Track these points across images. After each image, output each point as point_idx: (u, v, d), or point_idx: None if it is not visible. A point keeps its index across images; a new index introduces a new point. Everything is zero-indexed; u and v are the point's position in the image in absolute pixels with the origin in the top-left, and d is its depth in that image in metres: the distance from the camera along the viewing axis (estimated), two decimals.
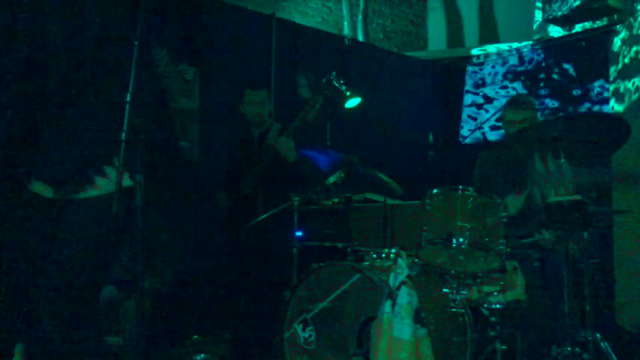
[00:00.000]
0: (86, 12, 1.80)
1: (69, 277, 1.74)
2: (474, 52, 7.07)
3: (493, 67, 6.74)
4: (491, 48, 6.98)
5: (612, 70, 5.55)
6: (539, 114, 3.71)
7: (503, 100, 5.05)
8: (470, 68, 6.88)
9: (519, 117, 3.67)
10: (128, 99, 1.71)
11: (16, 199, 1.81)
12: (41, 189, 1.79)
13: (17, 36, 1.78)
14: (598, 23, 5.82)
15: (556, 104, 6.07)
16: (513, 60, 6.53)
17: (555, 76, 6.12)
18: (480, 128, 6.25)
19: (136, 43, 1.74)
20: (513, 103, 3.81)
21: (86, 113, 1.80)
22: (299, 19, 7.90)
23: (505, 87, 6.59)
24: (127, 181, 1.83)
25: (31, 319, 1.83)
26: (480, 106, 6.80)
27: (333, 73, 4.00)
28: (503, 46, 6.84)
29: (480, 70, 6.84)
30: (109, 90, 1.83)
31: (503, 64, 6.63)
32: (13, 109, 1.75)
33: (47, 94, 1.77)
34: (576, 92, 5.90)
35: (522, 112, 3.68)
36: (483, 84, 6.80)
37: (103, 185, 1.81)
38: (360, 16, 8.69)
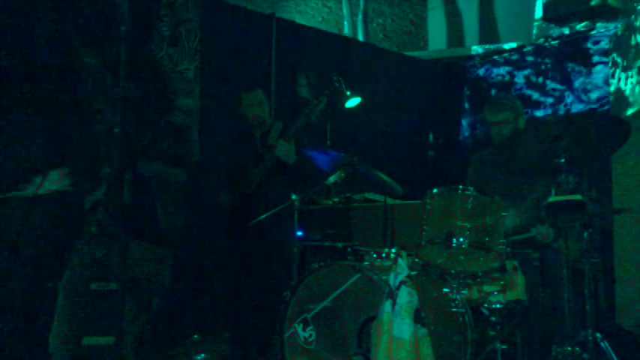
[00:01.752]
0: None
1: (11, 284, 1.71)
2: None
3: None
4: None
5: (613, 71, 5.56)
6: (520, 117, 3.69)
7: None
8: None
9: (498, 118, 3.67)
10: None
11: None
12: None
13: None
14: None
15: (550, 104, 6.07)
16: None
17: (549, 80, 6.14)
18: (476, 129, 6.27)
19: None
20: (492, 103, 3.80)
21: (37, 117, 1.75)
22: (299, 19, 7.90)
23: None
24: (55, 185, 1.78)
25: None
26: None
27: (334, 73, 4.00)
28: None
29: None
30: (67, 92, 1.79)
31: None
32: None
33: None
34: (572, 94, 5.91)
35: (501, 113, 3.67)
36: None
37: (29, 190, 1.75)
38: (360, 16, 8.69)
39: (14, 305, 1.72)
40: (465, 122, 6.83)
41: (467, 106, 6.81)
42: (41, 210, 1.76)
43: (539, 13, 6.61)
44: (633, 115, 5.15)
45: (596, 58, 5.73)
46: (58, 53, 1.78)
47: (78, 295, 3.34)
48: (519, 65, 6.38)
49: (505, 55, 6.52)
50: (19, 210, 1.75)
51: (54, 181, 1.78)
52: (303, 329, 3.06)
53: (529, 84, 6.23)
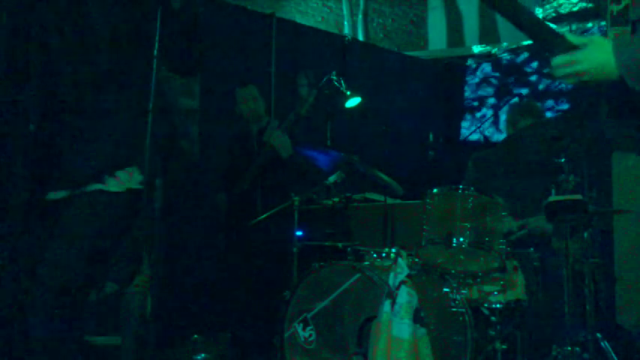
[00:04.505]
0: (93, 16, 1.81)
1: (64, 277, 1.74)
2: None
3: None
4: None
5: None
6: None
7: None
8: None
9: (528, 123, 3.65)
10: (150, 107, 1.74)
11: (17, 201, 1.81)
12: (55, 196, 1.81)
13: (30, 41, 1.79)
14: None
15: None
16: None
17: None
18: (479, 128, 6.27)
19: (156, 53, 1.76)
20: (527, 112, 3.77)
21: (103, 120, 1.81)
22: (299, 19, 7.91)
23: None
24: (134, 184, 1.84)
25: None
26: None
27: (334, 73, 4.01)
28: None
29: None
30: (125, 96, 1.85)
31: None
32: (33, 119, 1.78)
33: (63, 102, 1.79)
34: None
35: (534, 119, 3.67)
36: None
37: (111, 185, 1.82)
38: (360, 16, 8.69)
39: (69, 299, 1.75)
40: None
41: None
42: (115, 206, 1.81)
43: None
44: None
45: None
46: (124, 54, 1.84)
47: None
48: None
49: None
50: (91, 206, 1.80)
51: (124, 181, 1.83)
52: (303, 329, 3.06)
53: None
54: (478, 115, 6.75)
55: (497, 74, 6.66)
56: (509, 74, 6.57)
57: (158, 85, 1.81)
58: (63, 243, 1.79)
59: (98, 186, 1.83)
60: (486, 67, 6.78)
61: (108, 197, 1.83)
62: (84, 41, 1.81)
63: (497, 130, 6.39)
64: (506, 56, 6.63)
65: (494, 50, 6.70)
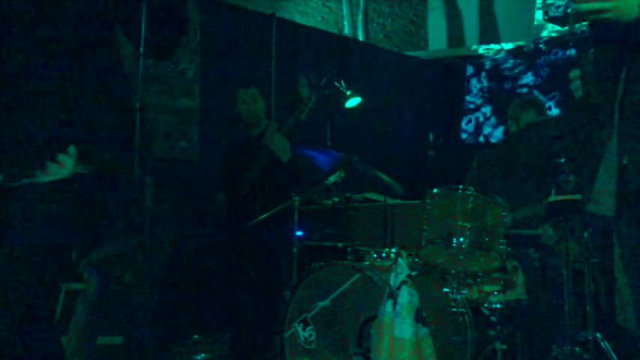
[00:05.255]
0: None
1: (19, 267, 1.71)
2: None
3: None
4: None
5: None
6: None
7: None
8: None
9: (538, 119, 3.65)
10: (138, 106, 1.72)
11: None
12: None
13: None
14: None
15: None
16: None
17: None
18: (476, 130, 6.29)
19: (142, 51, 1.75)
20: (528, 105, 3.77)
21: (47, 102, 1.78)
22: (299, 19, 7.91)
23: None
24: (78, 168, 1.81)
25: None
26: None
27: (334, 73, 4.01)
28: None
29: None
30: (79, 82, 1.82)
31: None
32: None
33: (6, 81, 1.76)
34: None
35: (542, 116, 3.67)
36: None
37: (54, 171, 1.78)
38: (360, 16, 8.70)
39: (19, 296, 1.72)
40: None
41: None
42: (63, 193, 1.79)
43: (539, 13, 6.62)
44: None
45: None
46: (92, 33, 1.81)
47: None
48: None
49: None
50: (34, 198, 1.77)
51: (67, 165, 1.80)
52: (303, 329, 3.06)
53: None
54: (472, 116, 6.77)
55: (486, 75, 6.66)
56: (500, 76, 6.57)
57: (126, 81, 1.80)
58: (16, 234, 1.77)
59: (44, 178, 1.79)
60: (473, 70, 6.78)
61: (53, 185, 1.80)
62: (51, 31, 1.79)
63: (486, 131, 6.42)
64: (492, 57, 6.63)
65: (492, 51, 6.71)
